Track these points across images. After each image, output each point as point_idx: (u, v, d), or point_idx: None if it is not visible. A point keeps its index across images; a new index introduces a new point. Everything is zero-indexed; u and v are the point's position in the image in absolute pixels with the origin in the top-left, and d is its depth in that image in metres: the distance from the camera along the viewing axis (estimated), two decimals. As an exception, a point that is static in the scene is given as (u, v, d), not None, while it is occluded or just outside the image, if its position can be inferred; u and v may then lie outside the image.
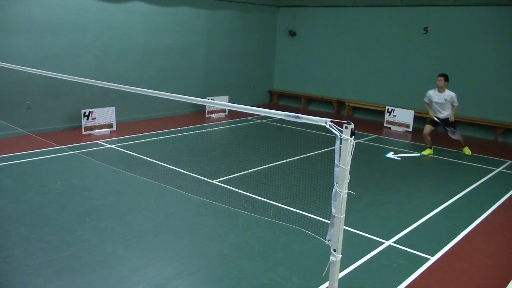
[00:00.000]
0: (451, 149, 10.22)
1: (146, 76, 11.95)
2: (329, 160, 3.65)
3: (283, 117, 3.41)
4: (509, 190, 7.45)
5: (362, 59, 13.90)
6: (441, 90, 9.34)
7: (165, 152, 8.90)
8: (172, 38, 12.50)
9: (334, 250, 3.19)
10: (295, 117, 3.30)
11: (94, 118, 10.18)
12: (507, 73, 11.26)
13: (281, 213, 6.06)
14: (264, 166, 8.17)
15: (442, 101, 9.35)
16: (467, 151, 9.81)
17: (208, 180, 7.29)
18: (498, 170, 8.71)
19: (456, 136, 9.52)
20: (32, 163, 7.94)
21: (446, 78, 9.28)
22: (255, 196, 6.62)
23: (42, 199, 6.31)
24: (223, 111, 13.13)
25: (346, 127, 3.00)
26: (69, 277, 4.37)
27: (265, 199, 6.52)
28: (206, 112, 12.83)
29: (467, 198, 7.07)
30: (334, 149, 3.11)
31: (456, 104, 9.39)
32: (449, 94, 9.31)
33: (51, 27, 9.93)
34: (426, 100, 9.66)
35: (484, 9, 11.49)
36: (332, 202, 3.19)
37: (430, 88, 9.65)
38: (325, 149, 9.08)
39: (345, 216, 3.18)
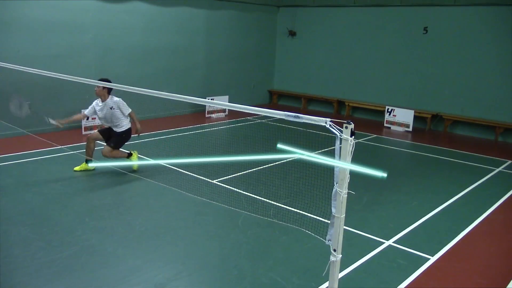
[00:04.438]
0: (451, 149, 10.22)
1: (146, 76, 11.94)
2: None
3: (283, 117, 3.40)
4: (509, 190, 7.45)
5: (362, 59, 13.90)
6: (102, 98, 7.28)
7: (165, 152, 8.89)
8: (172, 38, 12.49)
9: (334, 250, 3.19)
10: (295, 117, 3.30)
11: (94, 118, 10.15)
12: (507, 73, 11.26)
13: (281, 213, 6.06)
14: (264, 166, 8.17)
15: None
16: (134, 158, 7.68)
17: (208, 180, 7.29)
18: (498, 170, 8.71)
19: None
20: (32, 163, 7.94)
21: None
22: (255, 196, 6.61)
23: (42, 199, 6.31)
24: (223, 111, 13.13)
25: (346, 127, 3.00)
26: (69, 277, 4.37)
27: (265, 199, 6.52)
28: (206, 112, 12.84)
29: (467, 198, 7.07)
30: (334, 149, 3.11)
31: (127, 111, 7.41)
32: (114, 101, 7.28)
33: (51, 27, 9.92)
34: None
35: (484, 9, 11.49)
36: (332, 202, 3.19)
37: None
38: (325, 149, 9.08)
39: (345, 216, 3.18)
